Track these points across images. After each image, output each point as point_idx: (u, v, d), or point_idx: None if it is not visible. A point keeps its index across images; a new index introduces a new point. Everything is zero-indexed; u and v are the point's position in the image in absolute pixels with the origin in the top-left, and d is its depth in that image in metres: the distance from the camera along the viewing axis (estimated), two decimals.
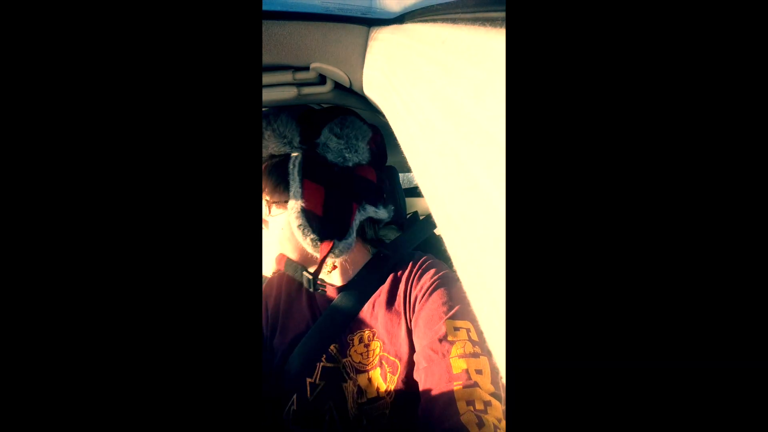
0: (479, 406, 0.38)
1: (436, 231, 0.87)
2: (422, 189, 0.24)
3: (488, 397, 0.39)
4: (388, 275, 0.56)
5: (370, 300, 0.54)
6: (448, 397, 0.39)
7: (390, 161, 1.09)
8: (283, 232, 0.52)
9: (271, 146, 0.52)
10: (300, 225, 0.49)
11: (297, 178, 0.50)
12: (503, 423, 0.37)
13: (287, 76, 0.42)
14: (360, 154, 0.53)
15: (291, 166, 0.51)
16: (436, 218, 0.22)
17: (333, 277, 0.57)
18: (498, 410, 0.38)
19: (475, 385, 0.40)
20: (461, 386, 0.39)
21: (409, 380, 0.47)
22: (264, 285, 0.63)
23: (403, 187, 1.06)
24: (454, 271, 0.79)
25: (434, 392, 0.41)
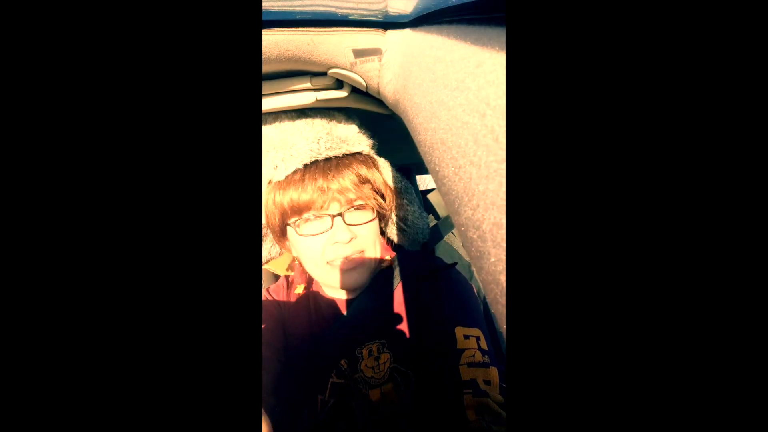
0: (489, 416, 0.37)
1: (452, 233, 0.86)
2: (440, 191, 0.24)
3: (498, 409, 0.38)
4: (399, 282, 0.54)
5: (381, 308, 0.53)
6: (458, 407, 0.38)
7: (407, 162, 1.09)
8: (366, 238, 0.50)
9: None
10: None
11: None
12: None
13: (305, 83, 0.43)
14: None
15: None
16: (454, 221, 0.21)
17: (334, 290, 0.56)
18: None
19: (485, 394, 0.39)
20: (471, 395, 0.39)
21: (423, 392, 0.46)
22: (269, 294, 0.61)
23: (421, 188, 1.06)
24: (465, 271, 0.78)
25: (444, 399, 0.40)
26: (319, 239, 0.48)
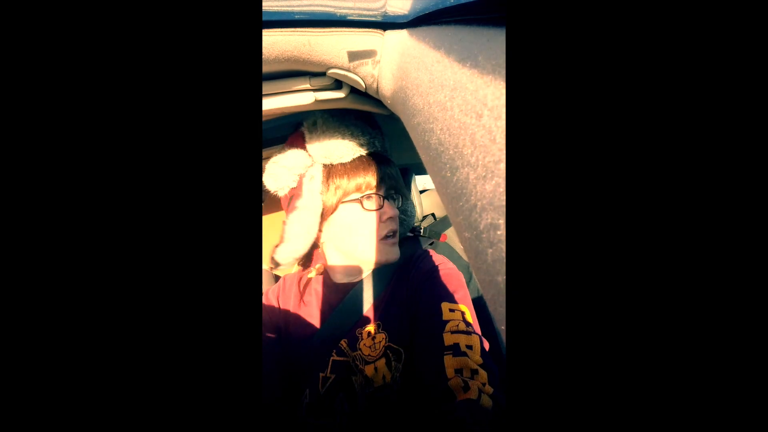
0: (467, 374, 0.41)
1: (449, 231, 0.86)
2: (438, 191, 0.24)
3: (476, 366, 0.42)
4: (397, 270, 0.60)
5: (379, 293, 0.58)
6: (438, 367, 0.42)
7: (406, 163, 1.09)
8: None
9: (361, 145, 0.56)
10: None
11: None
12: (488, 387, 0.40)
13: (304, 83, 0.43)
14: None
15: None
16: (451, 221, 0.22)
17: (349, 274, 0.61)
18: (484, 377, 0.41)
19: (464, 355, 0.43)
20: (451, 355, 0.43)
21: (412, 366, 0.50)
22: (281, 282, 0.67)
23: (420, 189, 1.06)
24: (464, 271, 0.81)
25: (427, 363, 0.45)
26: (375, 216, 0.56)
